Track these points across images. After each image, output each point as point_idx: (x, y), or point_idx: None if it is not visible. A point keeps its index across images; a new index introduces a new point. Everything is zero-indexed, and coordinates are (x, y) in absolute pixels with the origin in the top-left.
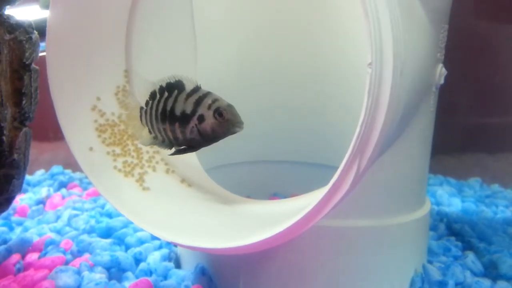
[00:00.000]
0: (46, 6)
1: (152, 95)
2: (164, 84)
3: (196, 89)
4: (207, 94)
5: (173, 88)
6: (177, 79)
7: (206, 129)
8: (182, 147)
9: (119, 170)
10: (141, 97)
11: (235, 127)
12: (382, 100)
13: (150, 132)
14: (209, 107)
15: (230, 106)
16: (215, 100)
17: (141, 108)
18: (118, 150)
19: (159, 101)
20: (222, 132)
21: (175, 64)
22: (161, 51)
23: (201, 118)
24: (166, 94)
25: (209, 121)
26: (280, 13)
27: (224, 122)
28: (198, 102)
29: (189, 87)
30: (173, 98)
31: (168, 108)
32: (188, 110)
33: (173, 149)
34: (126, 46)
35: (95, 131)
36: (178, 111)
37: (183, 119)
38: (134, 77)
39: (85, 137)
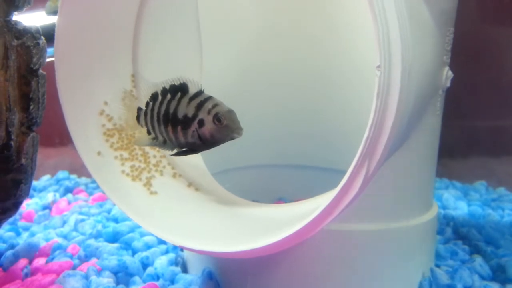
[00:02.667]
0: (51, 12)
1: (154, 97)
2: (167, 86)
3: (199, 93)
4: (208, 98)
5: (177, 90)
6: (181, 82)
7: (205, 133)
8: (184, 149)
9: (127, 174)
10: (143, 98)
11: (233, 133)
12: (391, 102)
13: (149, 133)
14: (209, 112)
15: (230, 112)
16: (215, 105)
17: (139, 108)
18: (125, 154)
19: (161, 103)
20: (220, 137)
21: (181, 68)
22: (167, 56)
23: (201, 123)
24: (169, 96)
25: (208, 126)
26: (284, 17)
27: (223, 127)
28: (199, 106)
29: (192, 90)
30: (176, 100)
31: (171, 110)
32: (190, 113)
33: (175, 150)
34: (133, 51)
35: (103, 136)
36: (180, 114)
37: (185, 122)
38: (138, 79)
39: (93, 142)
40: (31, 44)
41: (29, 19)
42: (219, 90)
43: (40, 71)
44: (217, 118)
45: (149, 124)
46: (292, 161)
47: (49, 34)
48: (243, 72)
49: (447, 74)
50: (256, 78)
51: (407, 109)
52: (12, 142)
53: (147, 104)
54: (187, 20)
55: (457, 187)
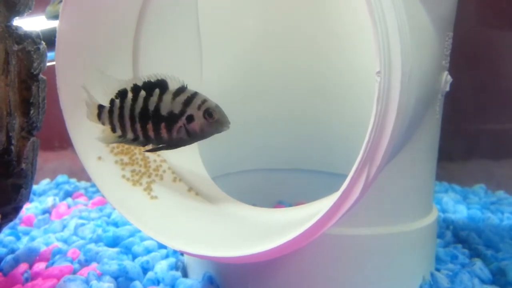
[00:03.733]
0: (52, 17)
1: (121, 94)
2: (139, 83)
3: (182, 88)
4: (195, 94)
5: (154, 87)
6: (160, 78)
7: (195, 129)
8: (161, 145)
9: (127, 179)
10: (107, 95)
11: (223, 126)
12: (391, 107)
13: (114, 130)
14: (199, 107)
15: (218, 107)
16: (205, 101)
17: (100, 106)
18: (126, 159)
19: (135, 100)
20: (210, 131)
21: (181, 73)
22: (168, 61)
23: (190, 118)
24: (143, 93)
25: (199, 121)
26: (283, 21)
27: (214, 122)
28: (187, 103)
29: (173, 86)
30: (155, 97)
31: (151, 107)
32: (176, 110)
33: (150, 146)
34: (133, 55)
35: None
36: (164, 111)
37: (170, 119)
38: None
39: (93, 146)
40: (31, 49)
41: (30, 24)
42: (219, 95)
43: (41, 75)
44: (208, 113)
45: (116, 122)
46: (291, 165)
47: (49, 39)
48: (243, 77)
49: (446, 78)
50: (256, 82)
51: (407, 114)
52: (12, 147)
53: (112, 101)
54: (187, 25)
55: (456, 190)
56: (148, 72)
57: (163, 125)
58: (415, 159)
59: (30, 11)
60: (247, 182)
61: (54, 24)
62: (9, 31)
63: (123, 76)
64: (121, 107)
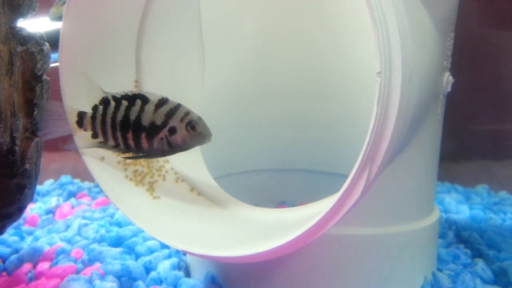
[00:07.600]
0: (55, 18)
1: (104, 101)
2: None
3: (165, 100)
4: (178, 106)
5: (135, 97)
6: (139, 93)
7: (177, 141)
8: (140, 154)
9: (130, 179)
10: (90, 101)
11: (205, 139)
12: (392, 108)
13: (95, 136)
14: (182, 119)
15: (200, 119)
16: (188, 113)
17: (82, 112)
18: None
19: (117, 109)
20: (192, 144)
21: (183, 74)
22: (170, 63)
23: (173, 130)
24: (125, 102)
25: (181, 133)
26: (283, 25)
27: (196, 135)
28: (169, 114)
29: (153, 98)
30: (137, 107)
31: (132, 117)
32: (158, 121)
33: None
34: (136, 56)
35: None
36: (145, 121)
37: (152, 130)
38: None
39: None
40: (35, 50)
41: (33, 25)
42: (221, 98)
43: (44, 76)
44: (191, 126)
45: (98, 128)
46: (294, 165)
47: (53, 40)
48: (245, 80)
49: (447, 79)
50: (258, 85)
51: (407, 115)
52: (16, 147)
53: (96, 107)
54: (190, 27)
55: (459, 191)
56: (151, 74)
57: (144, 135)
58: (417, 159)
59: (34, 12)
60: (250, 183)
61: (57, 25)
62: (13, 33)
63: (126, 77)
64: (104, 114)
